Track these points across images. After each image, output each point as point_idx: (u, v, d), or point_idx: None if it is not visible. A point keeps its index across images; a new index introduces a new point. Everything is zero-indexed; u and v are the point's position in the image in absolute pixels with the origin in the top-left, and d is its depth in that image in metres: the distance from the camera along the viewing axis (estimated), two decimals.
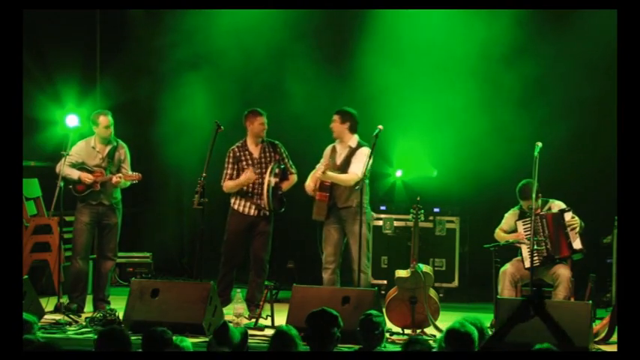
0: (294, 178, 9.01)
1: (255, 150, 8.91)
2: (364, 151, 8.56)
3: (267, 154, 8.90)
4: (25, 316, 5.93)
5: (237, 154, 8.87)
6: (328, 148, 8.83)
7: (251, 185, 8.82)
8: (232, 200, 8.92)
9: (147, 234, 11.37)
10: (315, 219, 8.70)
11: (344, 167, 8.62)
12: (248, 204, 8.86)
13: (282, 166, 8.89)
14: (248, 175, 8.77)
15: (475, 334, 5.13)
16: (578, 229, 8.21)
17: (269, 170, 8.78)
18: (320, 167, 8.58)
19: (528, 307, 4.50)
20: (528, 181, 8.14)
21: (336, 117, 8.73)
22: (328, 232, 8.64)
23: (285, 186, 8.94)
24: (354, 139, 8.70)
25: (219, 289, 8.56)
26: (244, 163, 8.86)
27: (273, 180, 8.76)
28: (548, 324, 4.52)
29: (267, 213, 8.82)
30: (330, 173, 8.49)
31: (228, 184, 8.86)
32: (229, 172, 8.88)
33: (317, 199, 8.59)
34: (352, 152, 8.64)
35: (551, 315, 4.51)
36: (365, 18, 10.43)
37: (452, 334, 5.12)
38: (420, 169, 10.43)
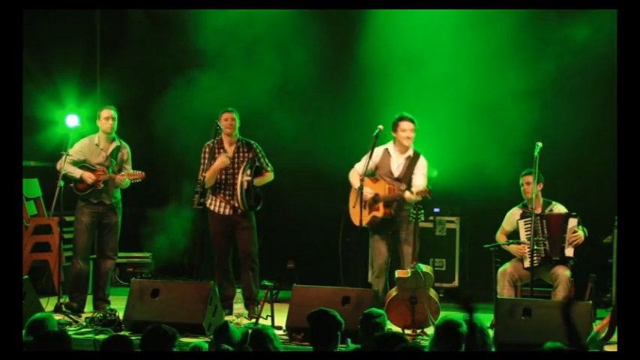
0: (269, 175, 8.90)
1: (229, 149, 8.83)
2: (424, 163, 8.46)
3: (241, 154, 8.83)
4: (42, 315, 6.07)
5: (212, 150, 8.76)
6: (379, 152, 8.50)
7: (223, 186, 8.78)
8: (208, 201, 8.84)
9: (147, 234, 11.36)
10: (364, 226, 8.50)
11: (404, 178, 8.43)
12: (223, 204, 8.83)
13: (257, 165, 8.81)
14: (222, 159, 8.68)
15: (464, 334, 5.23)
16: (577, 243, 8.21)
17: (241, 170, 8.73)
18: (413, 192, 8.20)
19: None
20: (532, 170, 8.17)
21: (413, 126, 8.44)
22: (380, 243, 8.47)
23: (259, 181, 8.81)
24: (412, 149, 8.55)
25: (221, 297, 8.54)
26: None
27: (246, 180, 8.71)
28: (568, 327, 4.61)
29: (244, 211, 8.79)
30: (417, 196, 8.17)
31: (206, 176, 8.68)
32: (204, 167, 8.72)
33: (382, 215, 8.35)
34: (412, 162, 8.46)
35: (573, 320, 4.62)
36: (365, 18, 10.42)
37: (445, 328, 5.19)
38: None
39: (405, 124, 8.45)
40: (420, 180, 8.38)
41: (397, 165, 8.51)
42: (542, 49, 10.10)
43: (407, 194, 8.23)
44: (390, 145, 8.58)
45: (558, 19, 9.93)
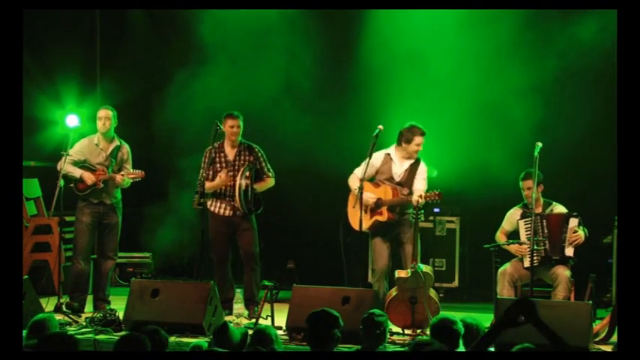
0: (270, 181, 8.90)
1: (230, 152, 8.84)
2: (425, 168, 8.45)
3: (242, 157, 8.83)
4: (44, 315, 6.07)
5: (212, 155, 8.78)
6: (380, 157, 8.48)
7: (223, 188, 8.78)
8: (209, 202, 8.85)
9: (147, 234, 11.37)
10: (364, 230, 8.47)
11: (405, 183, 8.41)
12: (223, 205, 8.82)
13: (256, 168, 8.81)
14: (223, 179, 8.71)
15: (462, 331, 5.24)
16: (578, 243, 8.21)
17: (240, 173, 8.72)
18: (416, 197, 8.12)
19: (517, 314, 4.48)
20: (532, 170, 8.15)
21: (424, 139, 8.44)
22: (381, 246, 8.45)
23: (259, 187, 8.83)
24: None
25: (221, 299, 8.51)
26: (218, 165, 8.81)
27: (244, 182, 8.69)
28: (541, 329, 4.52)
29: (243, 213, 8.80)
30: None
31: (205, 185, 8.72)
32: (204, 174, 8.74)
33: (386, 219, 8.34)
34: (414, 168, 8.43)
35: (542, 320, 4.51)
36: (366, 18, 10.43)
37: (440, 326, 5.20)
38: None
39: (419, 139, 8.38)
40: (421, 184, 8.37)
41: (400, 171, 8.47)
42: (544, 47, 10.10)
43: (414, 198, 8.19)
44: (392, 151, 8.53)
45: (561, 18, 9.92)
